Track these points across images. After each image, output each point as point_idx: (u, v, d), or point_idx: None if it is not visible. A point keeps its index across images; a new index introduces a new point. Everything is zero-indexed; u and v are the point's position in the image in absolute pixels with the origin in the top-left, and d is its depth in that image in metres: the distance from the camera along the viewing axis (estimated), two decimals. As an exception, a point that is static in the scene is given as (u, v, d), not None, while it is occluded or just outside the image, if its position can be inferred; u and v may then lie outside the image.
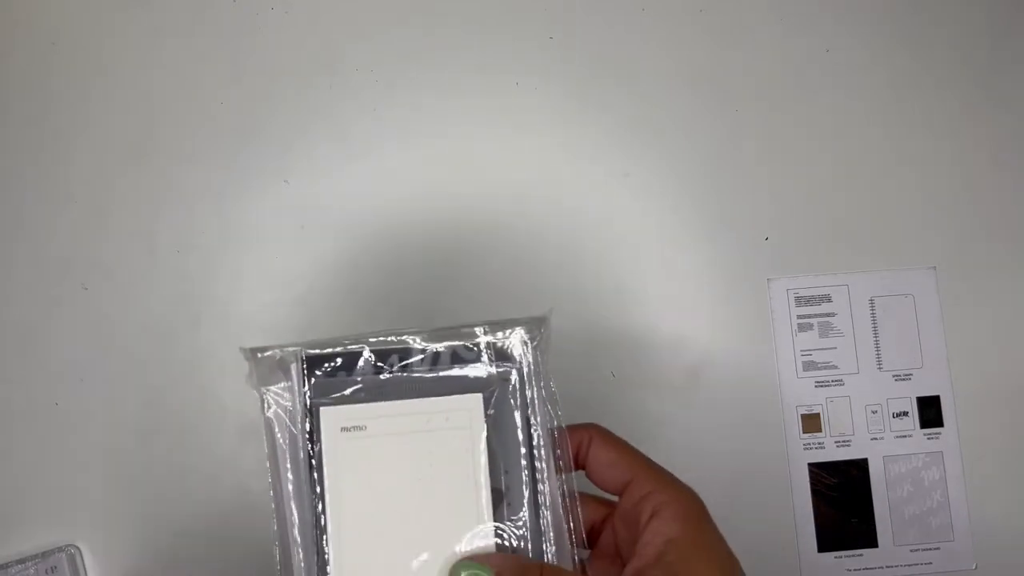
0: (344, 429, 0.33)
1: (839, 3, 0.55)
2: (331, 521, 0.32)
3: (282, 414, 0.34)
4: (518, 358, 0.35)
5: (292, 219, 0.52)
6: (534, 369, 0.35)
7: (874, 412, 0.51)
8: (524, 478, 0.34)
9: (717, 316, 0.51)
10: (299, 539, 0.32)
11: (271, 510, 0.33)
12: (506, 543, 0.33)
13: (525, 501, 0.34)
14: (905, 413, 0.51)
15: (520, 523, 0.33)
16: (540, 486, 0.34)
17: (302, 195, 0.52)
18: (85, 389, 0.50)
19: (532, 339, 0.35)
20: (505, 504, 0.34)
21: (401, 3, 0.54)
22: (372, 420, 0.33)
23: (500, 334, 0.35)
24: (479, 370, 0.34)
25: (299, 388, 0.33)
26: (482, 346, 0.35)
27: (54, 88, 0.53)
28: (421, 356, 0.34)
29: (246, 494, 0.49)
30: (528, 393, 0.34)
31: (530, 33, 0.54)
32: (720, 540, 0.34)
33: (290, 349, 0.34)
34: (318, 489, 0.32)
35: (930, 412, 0.51)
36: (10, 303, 0.51)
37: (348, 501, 0.32)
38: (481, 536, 0.33)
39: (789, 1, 0.54)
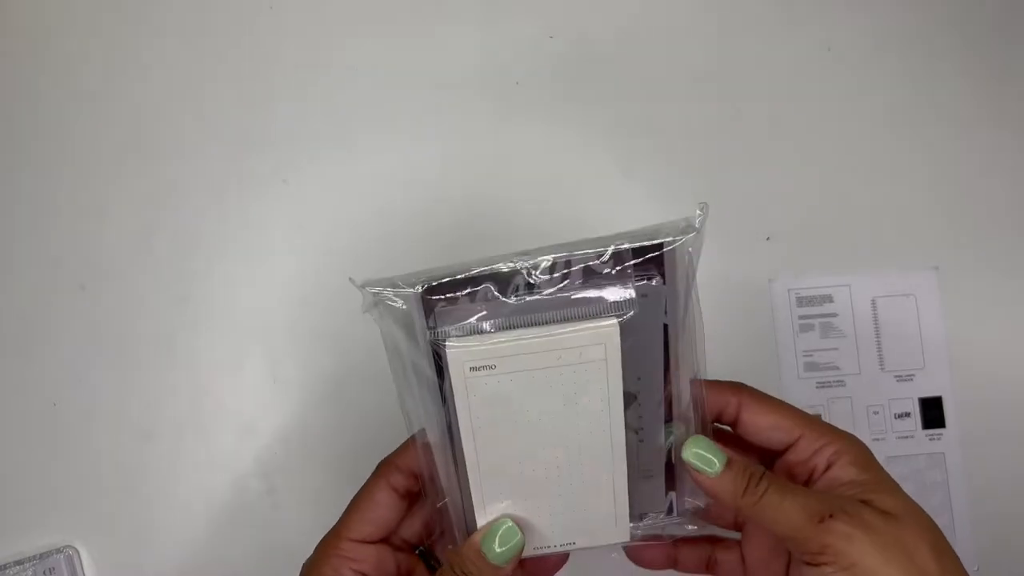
0: (473, 368, 0.31)
1: (839, 2, 0.54)
2: (467, 454, 0.32)
3: (406, 350, 0.32)
4: (657, 273, 0.31)
5: (291, 218, 0.51)
6: (676, 284, 0.31)
7: (876, 413, 0.51)
8: (658, 398, 0.33)
9: (718, 316, 0.51)
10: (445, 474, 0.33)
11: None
12: (638, 441, 0.34)
13: (659, 408, 0.34)
14: (907, 414, 0.51)
15: (652, 432, 0.34)
16: (673, 396, 0.33)
17: (301, 194, 0.52)
18: (83, 389, 0.50)
19: (674, 247, 0.30)
20: (636, 404, 0.33)
21: (400, 2, 0.54)
22: (501, 359, 0.31)
23: (636, 245, 0.30)
24: (615, 289, 0.31)
25: (421, 328, 0.31)
26: (616, 262, 0.31)
27: (53, 88, 0.53)
28: (549, 277, 0.31)
29: (245, 494, 0.49)
30: (670, 310, 0.31)
31: (530, 33, 0.54)
32: (890, 477, 0.34)
33: (406, 291, 0.30)
34: (451, 424, 0.32)
35: (932, 413, 0.51)
36: (8, 303, 0.50)
37: (481, 436, 0.32)
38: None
39: (790, 0, 0.54)
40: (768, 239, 0.52)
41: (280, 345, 0.50)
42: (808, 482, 0.35)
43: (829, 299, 0.52)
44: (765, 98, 0.53)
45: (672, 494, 0.36)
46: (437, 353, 0.31)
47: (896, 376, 0.51)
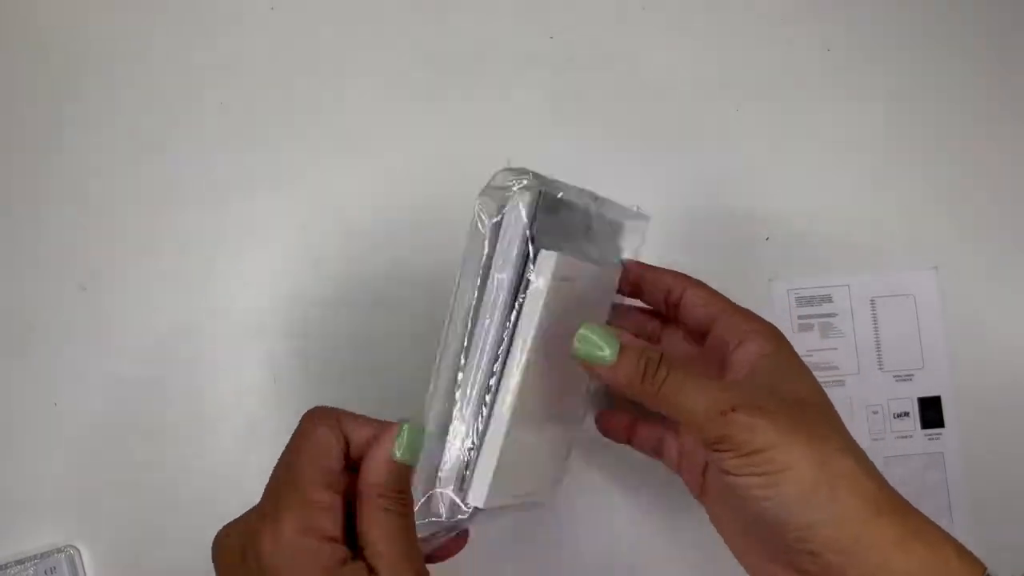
0: (560, 278, 0.35)
1: (839, 2, 0.54)
2: (511, 371, 0.34)
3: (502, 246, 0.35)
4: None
5: (292, 219, 0.51)
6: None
7: (875, 413, 0.51)
8: None
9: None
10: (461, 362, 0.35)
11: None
12: None
13: None
14: (906, 414, 0.51)
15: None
16: None
17: (302, 195, 0.52)
18: (84, 390, 0.50)
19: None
20: None
21: (400, 4, 0.54)
22: (578, 276, 0.36)
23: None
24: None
25: (527, 221, 0.34)
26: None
27: (53, 88, 0.53)
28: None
29: (246, 495, 0.49)
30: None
31: (530, 33, 0.53)
32: (802, 360, 0.37)
33: (524, 183, 0.35)
34: (512, 321, 0.35)
35: (931, 413, 0.51)
36: (8, 303, 0.50)
37: (535, 351, 0.35)
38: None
39: (790, 0, 0.54)
40: (768, 239, 0.52)
41: (280, 344, 0.51)
42: (725, 354, 0.37)
43: (828, 299, 0.52)
44: (765, 98, 0.53)
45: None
46: (526, 257, 0.34)
47: (895, 376, 0.51)
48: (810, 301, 0.52)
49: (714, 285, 0.51)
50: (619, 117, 0.53)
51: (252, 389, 0.50)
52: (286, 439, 0.50)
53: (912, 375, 0.51)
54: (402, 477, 0.33)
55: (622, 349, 0.34)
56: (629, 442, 0.44)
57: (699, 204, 0.52)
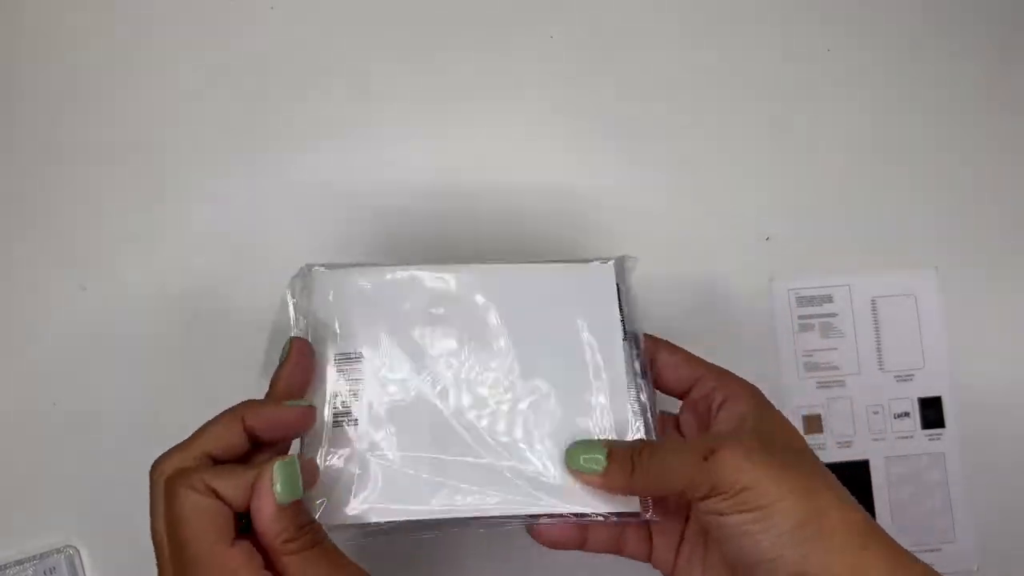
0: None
1: (839, 3, 0.55)
2: None
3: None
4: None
5: (292, 218, 0.51)
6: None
7: (875, 413, 0.51)
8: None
9: (718, 316, 0.51)
10: None
11: None
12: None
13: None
14: (907, 414, 0.51)
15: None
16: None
17: (302, 194, 0.52)
18: (83, 389, 0.49)
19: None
20: None
21: (401, 3, 0.54)
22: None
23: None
24: None
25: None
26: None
27: (54, 89, 0.53)
28: None
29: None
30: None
31: (530, 33, 0.54)
32: (784, 416, 0.36)
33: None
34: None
35: (932, 413, 0.51)
36: (9, 303, 0.50)
37: None
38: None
39: (790, 1, 0.54)
40: (768, 239, 0.52)
41: (280, 343, 0.50)
42: (708, 415, 0.37)
43: (829, 299, 0.52)
44: (765, 98, 0.53)
45: None
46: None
47: (896, 376, 0.51)
48: (810, 301, 0.52)
49: (714, 285, 0.52)
50: (619, 117, 0.53)
51: (252, 390, 0.50)
52: (286, 439, 0.50)
53: (913, 375, 0.51)
54: (297, 512, 0.32)
55: (610, 455, 0.35)
56: (582, 547, 0.38)
57: (699, 204, 0.52)
